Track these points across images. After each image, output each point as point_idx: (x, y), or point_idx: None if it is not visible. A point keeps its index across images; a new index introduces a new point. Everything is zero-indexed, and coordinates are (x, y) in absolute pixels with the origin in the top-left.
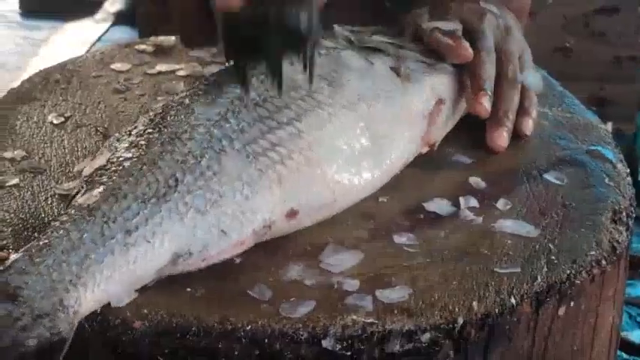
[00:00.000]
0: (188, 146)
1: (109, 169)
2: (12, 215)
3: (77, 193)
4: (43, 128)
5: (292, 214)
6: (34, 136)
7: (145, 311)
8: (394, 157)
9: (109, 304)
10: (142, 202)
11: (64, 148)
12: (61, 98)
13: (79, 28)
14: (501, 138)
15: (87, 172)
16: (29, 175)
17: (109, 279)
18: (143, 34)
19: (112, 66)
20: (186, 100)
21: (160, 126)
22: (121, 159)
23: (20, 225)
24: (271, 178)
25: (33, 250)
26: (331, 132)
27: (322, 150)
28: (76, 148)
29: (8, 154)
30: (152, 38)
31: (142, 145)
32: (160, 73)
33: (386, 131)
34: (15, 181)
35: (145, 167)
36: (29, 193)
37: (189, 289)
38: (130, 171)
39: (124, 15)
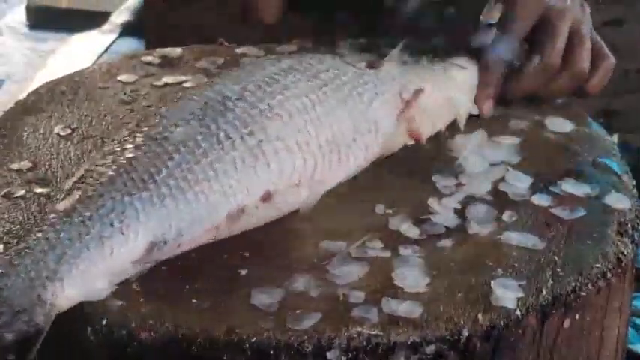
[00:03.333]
0: (163, 146)
1: (86, 177)
2: (18, 227)
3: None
4: (50, 140)
5: (267, 197)
6: (41, 147)
7: (151, 322)
8: (375, 135)
9: (115, 313)
10: (117, 199)
11: (71, 160)
12: (67, 110)
13: (86, 40)
14: None
15: (67, 186)
16: (35, 186)
17: (86, 272)
18: (150, 45)
19: (119, 77)
20: (161, 109)
21: (135, 133)
22: (97, 166)
23: None
24: (245, 163)
25: (13, 254)
26: (300, 121)
27: (296, 138)
28: (82, 160)
29: (15, 166)
30: (159, 50)
31: (116, 151)
32: (166, 84)
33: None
34: (21, 192)
35: (119, 168)
36: (35, 204)
37: (194, 300)
38: (105, 174)
39: (131, 26)
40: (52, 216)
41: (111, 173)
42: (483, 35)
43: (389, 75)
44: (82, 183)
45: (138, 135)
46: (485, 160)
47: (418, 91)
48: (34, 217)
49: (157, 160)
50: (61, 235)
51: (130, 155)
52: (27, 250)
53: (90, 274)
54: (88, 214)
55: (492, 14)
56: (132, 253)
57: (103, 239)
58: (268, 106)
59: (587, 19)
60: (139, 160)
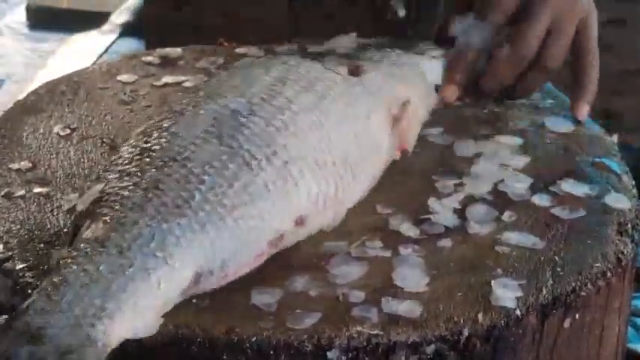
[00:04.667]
0: (188, 167)
1: (106, 200)
2: (18, 226)
3: (77, 228)
4: (49, 140)
5: (301, 221)
6: (41, 147)
7: None
8: (373, 150)
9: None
10: (154, 226)
11: (70, 160)
12: (67, 110)
13: (86, 40)
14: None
15: (80, 207)
16: (35, 186)
17: (135, 307)
18: (150, 45)
19: (119, 77)
20: (164, 123)
21: (148, 152)
22: (116, 188)
23: (26, 236)
24: (276, 185)
25: (49, 289)
26: (313, 139)
27: (314, 157)
28: (82, 160)
29: (14, 166)
30: (158, 50)
31: (135, 172)
32: (166, 84)
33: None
34: (21, 192)
35: (147, 192)
36: (35, 204)
37: (195, 300)
38: (131, 198)
39: (131, 27)
40: (82, 245)
41: (138, 198)
42: (459, 23)
43: (374, 86)
44: (105, 207)
45: (153, 154)
46: (486, 161)
47: (405, 104)
48: (35, 217)
49: (186, 182)
50: (101, 268)
51: (154, 177)
52: (65, 284)
53: (138, 309)
54: (125, 243)
55: None
56: (179, 284)
57: (149, 271)
58: (283, 124)
59: (576, 12)
60: (166, 182)
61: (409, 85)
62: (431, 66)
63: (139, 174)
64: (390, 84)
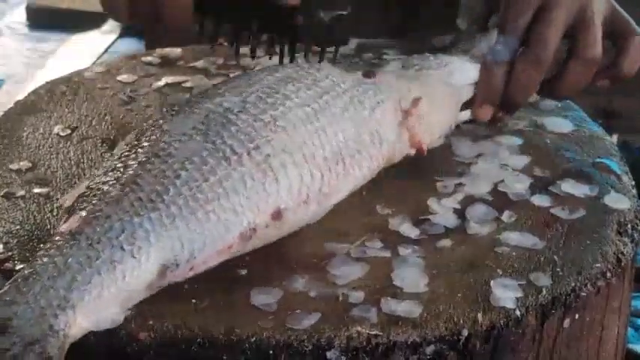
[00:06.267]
0: (168, 162)
1: (88, 194)
2: (18, 227)
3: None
4: (49, 140)
5: (278, 215)
6: (40, 147)
7: (150, 322)
8: (378, 146)
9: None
10: (125, 219)
11: (70, 160)
12: (67, 110)
13: (86, 40)
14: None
15: (68, 203)
16: (35, 186)
17: (98, 299)
18: (149, 45)
19: (118, 77)
20: (160, 121)
21: (136, 148)
22: (99, 184)
23: (26, 236)
24: (254, 180)
25: (19, 280)
26: (305, 133)
27: (302, 151)
28: (81, 160)
29: (14, 166)
30: (158, 50)
31: (119, 168)
32: (166, 84)
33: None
34: (21, 192)
35: (125, 187)
36: (35, 204)
37: (194, 300)
38: (109, 193)
39: (131, 27)
40: (57, 238)
41: (116, 192)
42: (483, 41)
43: (387, 83)
44: (85, 202)
45: (139, 150)
46: (485, 161)
47: (416, 100)
48: (34, 217)
49: (163, 177)
50: (69, 260)
51: (135, 172)
52: (34, 276)
53: (102, 301)
54: (95, 236)
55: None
56: (144, 278)
57: (115, 263)
58: (272, 118)
59: (596, 1)
60: (145, 178)
61: (426, 85)
62: (467, 66)
63: (122, 169)
64: (403, 83)
